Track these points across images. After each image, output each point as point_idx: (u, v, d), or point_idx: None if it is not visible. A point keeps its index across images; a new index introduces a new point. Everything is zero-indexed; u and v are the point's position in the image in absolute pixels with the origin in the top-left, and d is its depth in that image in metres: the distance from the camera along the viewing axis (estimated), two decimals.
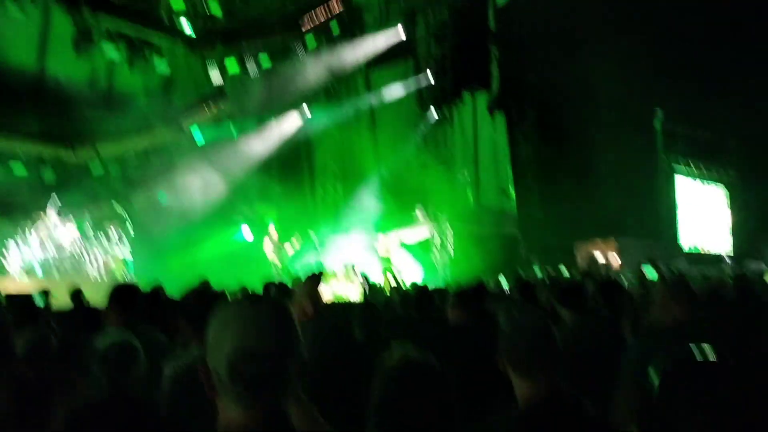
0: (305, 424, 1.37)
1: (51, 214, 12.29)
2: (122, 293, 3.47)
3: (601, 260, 17.45)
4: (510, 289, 8.81)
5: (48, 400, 2.64)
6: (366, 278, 11.72)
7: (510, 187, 19.84)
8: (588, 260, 18.09)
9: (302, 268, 13.07)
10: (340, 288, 12.24)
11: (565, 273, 13.97)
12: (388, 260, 16.32)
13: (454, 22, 17.64)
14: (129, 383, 2.62)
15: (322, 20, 16.44)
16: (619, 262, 16.93)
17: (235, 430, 1.22)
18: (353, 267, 8.45)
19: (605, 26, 17.71)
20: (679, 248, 20.73)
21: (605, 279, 6.93)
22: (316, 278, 1.94)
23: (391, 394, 1.77)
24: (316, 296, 1.96)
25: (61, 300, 8.33)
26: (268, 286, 6.42)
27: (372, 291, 8.72)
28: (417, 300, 4.96)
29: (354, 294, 11.55)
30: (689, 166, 22.25)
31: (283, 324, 1.26)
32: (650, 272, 6.36)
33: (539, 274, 15.39)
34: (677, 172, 21.81)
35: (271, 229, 13.74)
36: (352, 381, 3.73)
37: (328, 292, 10.84)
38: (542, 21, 17.42)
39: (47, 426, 2.59)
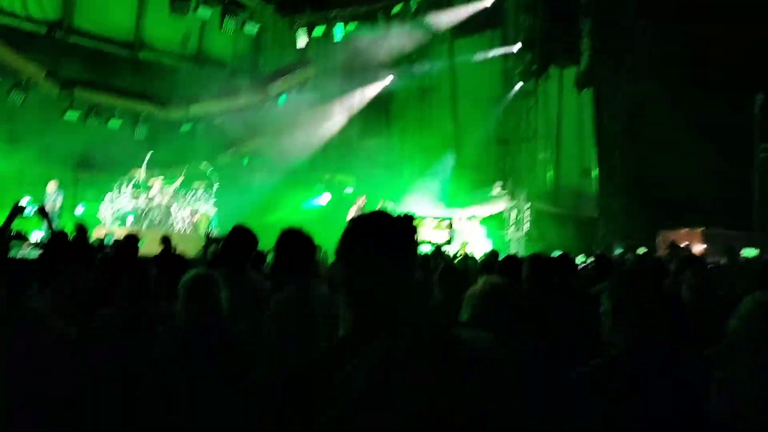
0: None
1: (143, 168, 12.89)
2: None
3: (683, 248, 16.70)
4: (586, 264, 8.62)
5: (145, 331, 2.80)
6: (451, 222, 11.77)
7: (593, 167, 19.22)
8: (669, 249, 17.33)
9: None
10: (427, 233, 12.33)
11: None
12: (460, 230, 16.27)
13: None
14: (204, 310, 2.72)
15: None
16: (702, 252, 16.08)
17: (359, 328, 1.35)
18: (443, 219, 8.67)
19: (706, 3, 16.69)
20: None
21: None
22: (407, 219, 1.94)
23: (477, 314, 1.82)
24: None
25: (148, 250, 8.80)
26: None
27: (445, 256, 8.71)
28: (503, 267, 4.87)
29: (441, 238, 11.62)
30: None
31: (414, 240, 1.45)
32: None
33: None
34: None
35: (361, 199, 13.85)
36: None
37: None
38: None
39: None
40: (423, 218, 12.55)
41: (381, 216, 1.45)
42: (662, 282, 4.51)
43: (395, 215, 1.97)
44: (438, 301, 4.11)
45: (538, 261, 4.31)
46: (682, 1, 16.43)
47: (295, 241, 3.19)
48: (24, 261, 2.85)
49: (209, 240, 5.62)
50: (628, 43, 17.04)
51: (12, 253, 2.78)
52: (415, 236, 1.44)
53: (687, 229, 18.79)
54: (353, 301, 1.36)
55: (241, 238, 3.70)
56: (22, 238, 3.61)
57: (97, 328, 2.99)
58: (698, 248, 16.13)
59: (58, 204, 11.81)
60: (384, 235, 1.40)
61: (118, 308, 3.28)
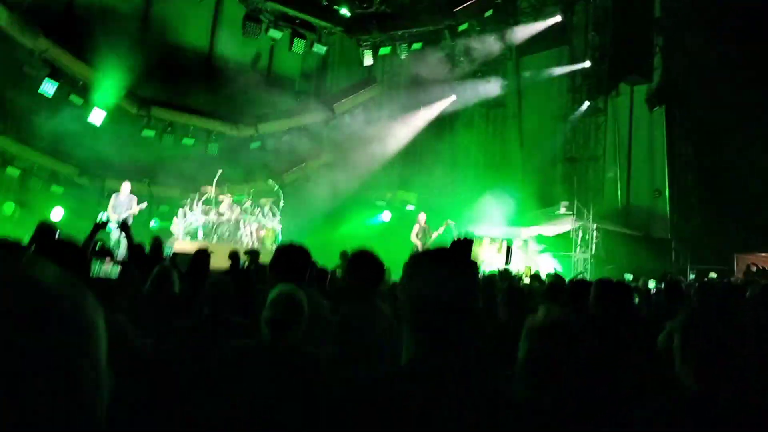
0: None
1: (213, 185, 13.29)
2: None
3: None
4: (656, 289, 8.42)
5: (219, 341, 2.87)
6: (510, 247, 11.67)
7: (665, 188, 18.57)
8: (746, 273, 16.53)
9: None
10: (487, 255, 12.25)
11: None
12: (526, 249, 15.99)
13: (616, 10, 16.70)
14: (290, 331, 2.74)
15: (476, 5, 16.25)
16: None
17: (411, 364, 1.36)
18: (502, 240, 8.51)
19: None
20: None
21: None
22: (466, 243, 1.94)
23: (535, 350, 1.79)
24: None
25: (217, 264, 9.02)
26: None
27: (510, 277, 8.58)
28: (572, 294, 4.74)
29: (498, 263, 11.53)
30: None
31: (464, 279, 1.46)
32: None
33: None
34: None
35: (421, 216, 13.81)
36: (495, 358, 3.74)
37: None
38: (714, 8, 15.96)
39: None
40: (481, 238, 12.47)
41: (439, 250, 1.52)
42: (738, 310, 4.29)
43: (455, 238, 1.97)
44: (503, 321, 4.08)
45: (606, 287, 4.19)
46: (756, 17, 15.73)
47: (366, 263, 3.25)
48: (106, 279, 2.97)
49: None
50: (702, 61, 16.43)
51: (94, 271, 2.91)
52: (475, 265, 1.48)
53: (765, 254, 17.86)
54: (414, 329, 1.38)
55: (292, 254, 3.65)
56: (105, 254, 3.76)
57: (176, 340, 3.10)
58: None
59: (134, 207, 12.01)
60: (442, 264, 1.45)
61: (197, 320, 3.41)
